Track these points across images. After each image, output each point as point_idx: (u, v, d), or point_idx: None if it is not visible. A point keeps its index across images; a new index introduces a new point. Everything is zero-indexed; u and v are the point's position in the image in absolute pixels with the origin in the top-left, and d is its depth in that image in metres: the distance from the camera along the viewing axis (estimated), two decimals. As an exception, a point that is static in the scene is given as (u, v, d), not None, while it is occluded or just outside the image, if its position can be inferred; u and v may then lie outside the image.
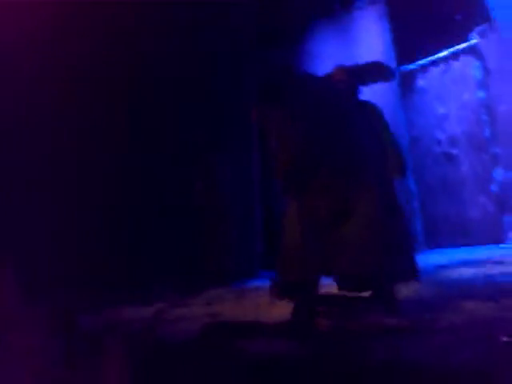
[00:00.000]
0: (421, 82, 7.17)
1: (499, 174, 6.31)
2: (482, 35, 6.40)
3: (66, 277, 4.19)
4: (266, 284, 4.34)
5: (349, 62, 3.24)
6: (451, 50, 6.75)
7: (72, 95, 4.69)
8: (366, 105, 3.29)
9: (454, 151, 6.89)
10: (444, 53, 6.85)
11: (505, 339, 1.60)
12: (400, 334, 1.86)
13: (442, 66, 6.94)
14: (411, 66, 7.10)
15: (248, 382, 1.91)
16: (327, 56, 6.73)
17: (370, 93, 3.40)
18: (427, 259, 4.61)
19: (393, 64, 6.58)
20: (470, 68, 6.59)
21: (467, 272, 3.58)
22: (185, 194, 4.89)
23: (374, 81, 3.35)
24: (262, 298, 3.37)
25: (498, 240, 6.23)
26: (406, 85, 7.05)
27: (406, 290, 2.91)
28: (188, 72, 5.13)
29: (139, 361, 2.27)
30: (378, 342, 1.83)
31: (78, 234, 4.53)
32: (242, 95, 5.17)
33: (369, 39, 6.79)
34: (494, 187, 6.38)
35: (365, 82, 3.26)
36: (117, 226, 4.71)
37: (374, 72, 3.38)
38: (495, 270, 3.60)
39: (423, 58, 6.99)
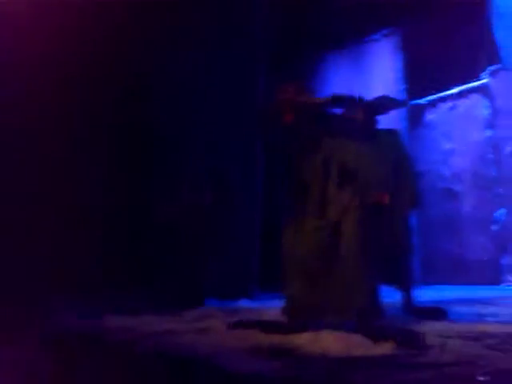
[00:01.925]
0: (429, 117, 7.25)
1: (501, 214, 6.32)
2: (492, 75, 6.48)
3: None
4: (259, 304, 4.38)
5: (362, 93, 3.44)
6: (461, 87, 6.85)
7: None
8: (387, 134, 3.60)
9: (458, 188, 6.91)
10: (454, 90, 6.93)
11: (481, 378, 1.61)
12: (381, 367, 1.86)
13: (451, 103, 7.02)
14: (421, 101, 7.19)
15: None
16: (340, 84, 6.84)
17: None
18: (422, 295, 4.60)
19: (403, 97, 6.68)
20: (478, 107, 6.66)
21: (458, 310, 3.58)
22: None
23: (385, 112, 3.60)
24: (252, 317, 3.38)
25: (495, 281, 6.21)
26: (415, 119, 7.13)
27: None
28: (195, 83, 5.25)
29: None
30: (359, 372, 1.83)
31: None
32: (253, 109, 5.25)
33: (382, 71, 6.91)
34: (495, 228, 6.38)
35: (378, 114, 3.55)
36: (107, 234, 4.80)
37: (384, 104, 3.62)
38: (486, 310, 3.60)
39: (433, 93, 7.09)
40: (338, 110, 3.32)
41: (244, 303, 4.59)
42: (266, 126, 3.04)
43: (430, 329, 2.73)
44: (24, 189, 4.65)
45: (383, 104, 3.60)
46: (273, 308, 3.23)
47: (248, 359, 2.08)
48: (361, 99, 3.09)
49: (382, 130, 3.67)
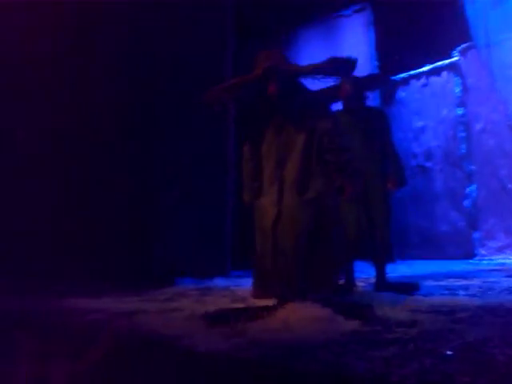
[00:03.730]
0: (401, 94, 7.24)
1: (472, 191, 6.40)
2: (462, 53, 6.49)
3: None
4: (233, 282, 4.35)
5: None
6: (433, 65, 6.84)
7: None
8: (373, 111, 3.64)
9: (429, 165, 6.96)
10: (426, 67, 6.93)
11: (449, 353, 1.60)
12: (345, 344, 1.83)
13: (423, 80, 7.02)
14: (394, 78, 7.16)
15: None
16: (312, 59, 6.72)
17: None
18: (394, 270, 4.63)
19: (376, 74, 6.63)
20: (450, 84, 6.68)
21: (428, 284, 3.60)
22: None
23: (374, 88, 3.62)
24: (225, 295, 3.35)
25: (467, 255, 6.33)
26: (387, 96, 7.11)
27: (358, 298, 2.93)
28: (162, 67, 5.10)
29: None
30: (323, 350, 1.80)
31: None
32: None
33: (353, 47, 6.82)
34: (466, 203, 6.47)
35: (368, 90, 3.57)
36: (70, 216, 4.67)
37: (374, 82, 3.65)
38: (458, 284, 3.63)
39: (405, 70, 7.07)
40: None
41: (218, 281, 4.56)
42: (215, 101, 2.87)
43: (402, 304, 2.73)
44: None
45: (373, 80, 3.63)
46: (245, 287, 3.19)
47: (215, 339, 2.03)
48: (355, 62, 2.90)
49: (370, 107, 3.67)
